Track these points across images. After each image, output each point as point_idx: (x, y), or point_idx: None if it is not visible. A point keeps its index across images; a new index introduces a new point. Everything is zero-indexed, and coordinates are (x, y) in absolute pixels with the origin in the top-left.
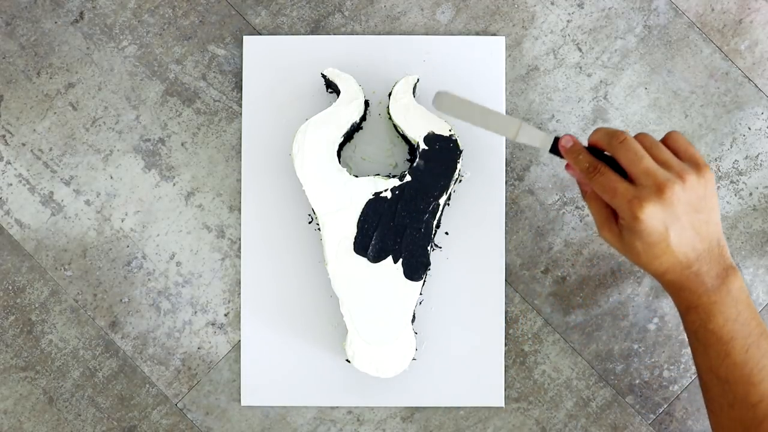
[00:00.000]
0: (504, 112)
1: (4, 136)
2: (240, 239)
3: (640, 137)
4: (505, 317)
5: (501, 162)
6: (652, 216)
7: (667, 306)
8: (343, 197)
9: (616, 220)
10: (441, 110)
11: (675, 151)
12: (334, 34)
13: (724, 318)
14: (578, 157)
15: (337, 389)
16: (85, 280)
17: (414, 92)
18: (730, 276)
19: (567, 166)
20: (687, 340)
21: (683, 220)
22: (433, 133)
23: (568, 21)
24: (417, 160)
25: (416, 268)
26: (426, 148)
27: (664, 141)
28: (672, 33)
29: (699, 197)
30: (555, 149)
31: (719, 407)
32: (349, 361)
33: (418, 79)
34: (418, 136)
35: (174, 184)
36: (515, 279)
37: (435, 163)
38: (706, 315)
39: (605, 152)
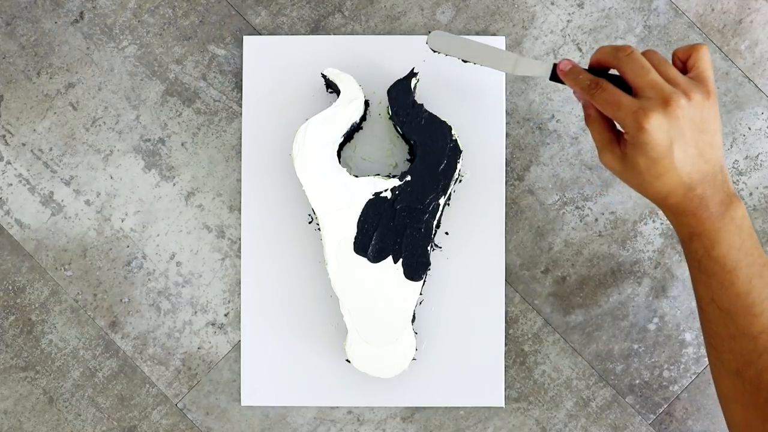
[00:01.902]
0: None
1: (4, 136)
2: (240, 239)
3: (649, 53)
4: (505, 317)
5: (501, 162)
6: (657, 127)
7: (667, 306)
8: (343, 197)
9: (618, 143)
10: (437, 49)
11: (689, 68)
12: (334, 34)
13: (728, 246)
14: (578, 77)
15: (337, 389)
16: (85, 280)
17: (414, 92)
18: (734, 203)
19: (575, 92)
20: (689, 272)
21: (688, 137)
22: (434, 133)
23: (568, 21)
24: (417, 160)
25: (416, 268)
26: (426, 148)
27: (685, 54)
28: (672, 33)
29: (704, 118)
30: (555, 77)
31: (720, 340)
32: (349, 361)
33: (418, 79)
34: (417, 136)
35: (174, 184)
36: (515, 279)
37: (435, 163)
38: (709, 242)
39: (609, 71)
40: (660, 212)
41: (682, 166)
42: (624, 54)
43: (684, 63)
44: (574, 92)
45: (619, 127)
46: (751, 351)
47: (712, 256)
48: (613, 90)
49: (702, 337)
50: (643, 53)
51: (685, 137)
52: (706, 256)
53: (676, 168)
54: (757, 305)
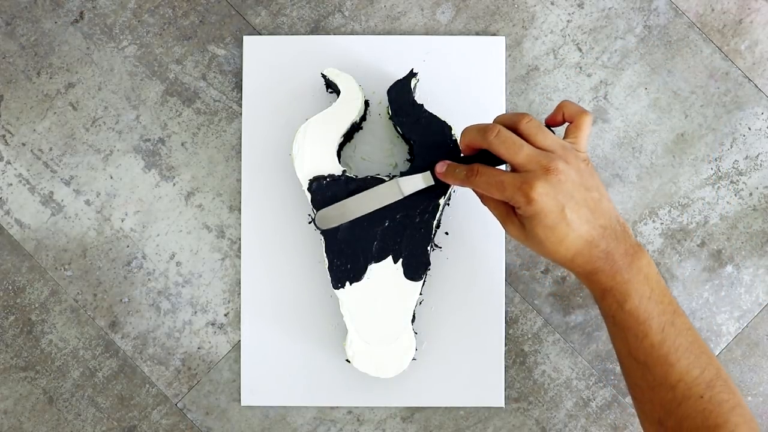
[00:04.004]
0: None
1: (4, 136)
2: (240, 239)
3: (521, 124)
4: (505, 317)
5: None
6: (544, 195)
7: None
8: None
9: (515, 214)
10: (326, 226)
11: (569, 132)
12: (334, 34)
13: (639, 297)
14: (454, 172)
15: (337, 389)
16: (85, 280)
17: (414, 92)
18: (638, 253)
19: (482, 198)
20: (606, 327)
21: (577, 198)
22: (434, 133)
23: (568, 21)
24: (416, 160)
25: (416, 268)
26: (426, 148)
27: (570, 116)
28: (672, 33)
29: (585, 176)
30: (438, 179)
31: (640, 391)
32: (349, 361)
33: (418, 79)
34: (417, 136)
35: (174, 184)
36: (515, 279)
37: (435, 163)
38: (621, 296)
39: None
40: (660, 212)
41: (579, 226)
42: (492, 135)
43: (565, 120)
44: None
45: None
46: (670, 400)
47: (625, 310)
48: (491, 172)
49: (701, 337)
50: (514, 122)
51: (574, 198)
52: (619, 310)
53: (574, 230)
54: (672, 354)
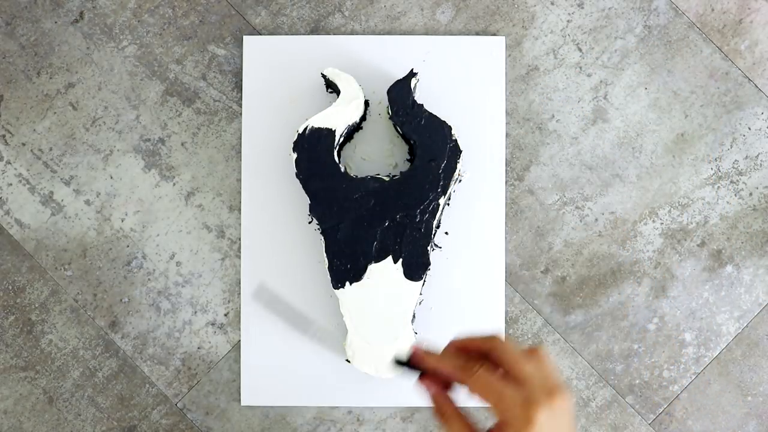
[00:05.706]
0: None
1: (4, 136)
2: (240, 239)
3: (505, 356)
4: (505, 317)
5: (501, 162)
6: (544, 422)
7: (667, 306)
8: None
9: None
10: (260, 303)
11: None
12: (334, 34)
13: None
14: (445, 358)
15: (337, 389)
16: (85, 280)
17: (414, 92)
18: None
19: (421, 379)
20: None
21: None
22: (434, 133)
23: (568, 21)
24: (417, 160)
25: (416, 268)
26: (426, 148)
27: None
28: (672, 33)
29: (566, 422)
30: (405, 364)
31: None
32: (349, 361)
33: (418, 79)
34: (417, 136)
35: (174, 184)
36: (515, 279)
37: (435, 163)
38: None
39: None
40: (660, 212)
41: None
42: (467, 376)
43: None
44: (421, 383)
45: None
46: None
47: None
48: (489, 376)
49: (701, 337)
50: (497, 356)
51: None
52: None
53: None
54: None
